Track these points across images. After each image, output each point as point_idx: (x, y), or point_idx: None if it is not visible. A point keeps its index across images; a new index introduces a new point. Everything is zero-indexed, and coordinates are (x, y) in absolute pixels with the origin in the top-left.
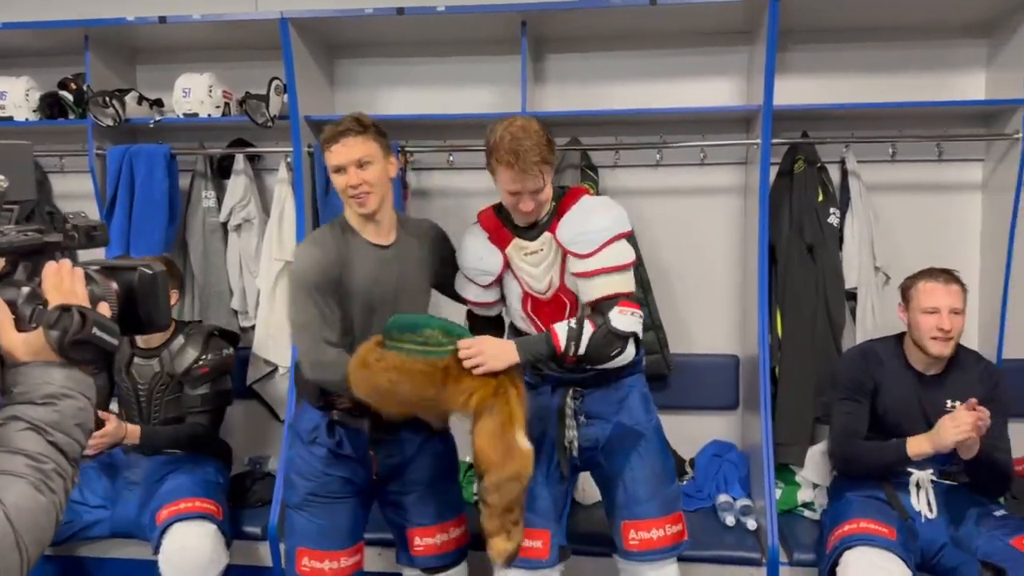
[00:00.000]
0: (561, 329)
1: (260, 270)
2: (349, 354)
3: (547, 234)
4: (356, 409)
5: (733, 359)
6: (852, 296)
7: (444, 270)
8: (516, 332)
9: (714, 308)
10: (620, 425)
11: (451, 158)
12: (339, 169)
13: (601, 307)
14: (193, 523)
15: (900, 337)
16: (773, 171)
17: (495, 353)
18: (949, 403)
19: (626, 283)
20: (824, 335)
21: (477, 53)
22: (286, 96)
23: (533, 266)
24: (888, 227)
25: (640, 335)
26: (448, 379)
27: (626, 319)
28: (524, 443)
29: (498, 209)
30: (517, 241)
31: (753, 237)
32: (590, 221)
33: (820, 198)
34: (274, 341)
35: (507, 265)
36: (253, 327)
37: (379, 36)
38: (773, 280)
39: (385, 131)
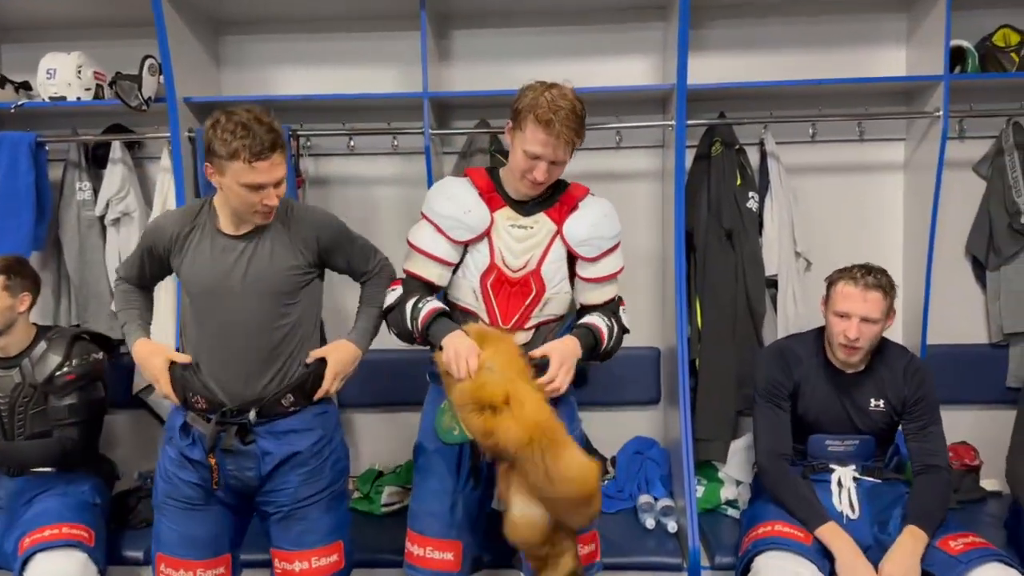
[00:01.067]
0: (603, 324)
1: None
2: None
3: (543, 215)
4: (207, 412)
5: (654, 351)
6: (773, 283)
7: (327, 256)
8: (451, 310)
9: (633, 298)
10: None
11: (352, 143)
12: (258, 187)
13: (611, 307)
14: (58, 552)
15: (820, 331)
16: (690, 154)
17: (567, 351)
18: (872, 402)
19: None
20: (745, 324)
21: (375, 29)
22: (163, 76)
23: (516, 241)
24: (809, 211)
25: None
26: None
27: (627, 318)
28: (516, 512)
29: (489, 172)
30: (508, 210)
31: (671, 224)
32: (602, 227)
33: (738, 182)
34: None
35: (487, 231)
36: None
37: (268, 11)
38: (692, 268)
39: None
